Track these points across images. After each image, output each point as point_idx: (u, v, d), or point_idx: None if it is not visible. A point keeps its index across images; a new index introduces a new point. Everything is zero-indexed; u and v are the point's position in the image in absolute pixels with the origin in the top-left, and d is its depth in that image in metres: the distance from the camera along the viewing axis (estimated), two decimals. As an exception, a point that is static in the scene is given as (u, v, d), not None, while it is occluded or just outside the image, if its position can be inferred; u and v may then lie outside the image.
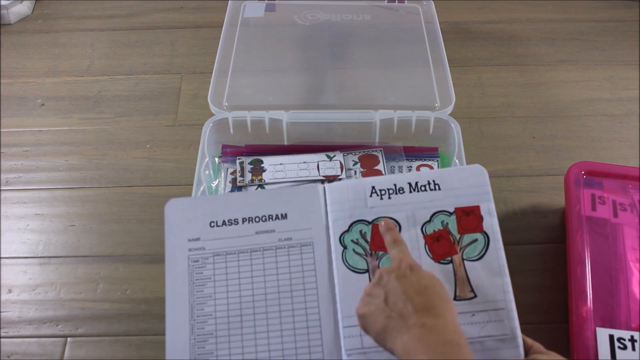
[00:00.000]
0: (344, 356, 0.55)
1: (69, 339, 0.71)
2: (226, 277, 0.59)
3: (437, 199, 0.59)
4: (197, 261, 0.59)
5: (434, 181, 0.60)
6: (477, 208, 0.59)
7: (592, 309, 0.65)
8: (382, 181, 0.61)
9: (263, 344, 0.56)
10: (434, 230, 0.59)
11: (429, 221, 0.59)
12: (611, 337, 0.63)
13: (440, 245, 0.58)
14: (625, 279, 0.67)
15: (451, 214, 0.59)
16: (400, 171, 0.81)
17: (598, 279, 0.67)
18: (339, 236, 0.59)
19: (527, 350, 0.53)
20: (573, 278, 0.68)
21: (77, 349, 0.71)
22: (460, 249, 0.58)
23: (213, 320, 0.57)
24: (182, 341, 0.56)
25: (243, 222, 0.61)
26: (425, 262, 0.57)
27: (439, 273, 0.57)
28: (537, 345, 0.53)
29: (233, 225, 0.61)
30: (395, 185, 0.60)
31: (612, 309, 0.65)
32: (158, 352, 0.70)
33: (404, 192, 0.60)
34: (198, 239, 0.60)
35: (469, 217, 0.59)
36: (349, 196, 0.61)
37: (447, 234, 0.58)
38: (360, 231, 0.59)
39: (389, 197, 0.60)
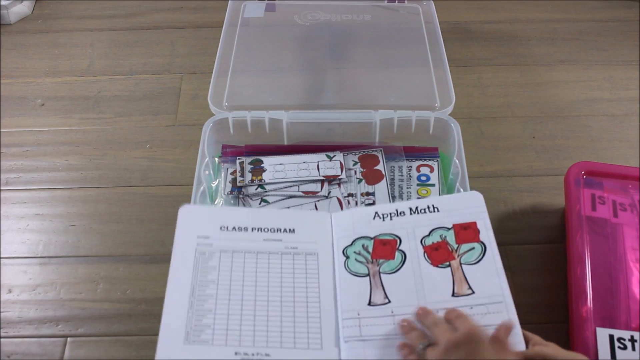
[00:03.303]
0: (342, 344, 0.56)
1: (69, 339, 0.71)
2: (231, 268, 0.61)
3: (436, 219, 0.63)
4: (204, 253, 0.62)
5: (433, 205, 0.64)
6: (474, 223, 0.61)
7: (592, 309, 0.65)
8: (385, 207, 0.65)
9: (262, 324, 0.57)
10: (432, 242, 0.61)
11: (427, 235, 0.62)
12: (611, 337, 0.63)
13: (439, 253, 0.60)
14: (625, 279, 0.67)
15: (449, 229, 0.62)
16: (400, 171, 0.81)
17: (598, 279, 0.67)
18: (342, 249, 0.62)
19: (527, 343, 0.54)
20: (573, 278, 0.68)
21: (77, 349, 0.71)
22: (458, 256, 0.60)
23: (213, 300, 0.58)
24: (179, 315, 0.57)
25: (252, 230, 0.64)
26: (424, 267, 0.59)
27: (438, 276, 0.59)
28: (537, 338, 0.54)
29: (242, 231, 0.63)
30: (397, 209, 0.64)
31: (612, 309, 0.65)
32: (158, 352, 0.70)
33: (404, 215, 0.64)
34: (207, 237, 0.63)
35: (467, 231, 0.61)
36: (354, 219, 0.65)
37: (445, 244, 0.61)
38: (363, 245, 0.62)
39: (391, 219, 0.64)
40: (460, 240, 0.61)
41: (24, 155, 0.90)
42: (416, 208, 0.64)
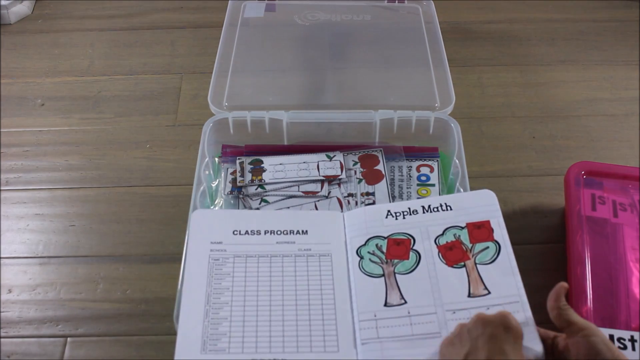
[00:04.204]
0: (359, 346, 0.56)
1: (69, 339, 0.71)
2: (245, 274, 0.61)
3: (449, 217, 0.63)
4: (217, 259, 0.62)
5: (445, 203, 0.64)
6: (488, 222, 0.62)
7: (592, 309, 0.65)
8: (397, 205, 0.65)
9: (277, 330, 0.57)
10: (446, 242, 0.61)
11: (441, 234, 0.62)
12: (611, 337, 0.63)
13: (453, 253, 0.60)
14: (625, 279, 0.67)
15: (463, 228, 0.62)
16: (400, 171, 0.81)
17: (598, 279, 0.67)
18: (355, 249, 0.62)
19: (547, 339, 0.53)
20: (573, 278, 0.68)
21: (77, 349, 0.71)
22: (473, 255, 0.60)
23: (228, 307, 0.58)
24: (196, 324, 0.57)
25: (265, 233, 0.64)
26: (439, 267, 0.59)
27: (453, 276, 0.59)
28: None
29: (255, 235, 0.64)
30: (409, 208, 0.64)
31: (612, 309, 0.65)
32: (158, 352, 0.70)
33: (417, 213, 0.64)
34: (220, 243, 0.63)
35: (480, 230, 0.61)
36: (366, 218, 0.65)
37: (459, 244, 0.61)
38: (377, 244, 0.62)
39: (404, 218, 0.64)
40: (474, 240, 0.61)
41: (24, 155, 0.90)
42: (429, 206, 0.64)
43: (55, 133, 0.93)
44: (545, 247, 0.79)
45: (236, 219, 0.65)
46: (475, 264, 0.59)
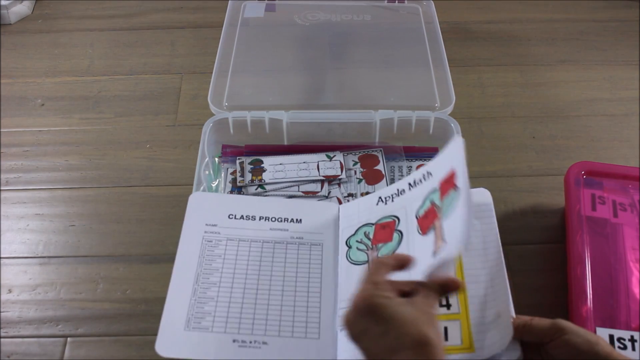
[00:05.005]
0: (339, 333, 0.57)
1: (69, 339, 0.71)
2: (236, 257, 0.62)
3: (430, 185, 0.61)
4: (210, 241, 0.63)
5: (427, 172, 0.62)
6: (453, 174, 0.56)
7: (592, 309, 0.65)
8: (387, 190, 0.66)
9: (262, 313, 0.58)
10: (424, 211, 0.60)
11: (421, 205, 0.61)
12: (611, 337, 0.63)
13: (428, 219, 0.59)
14: (625, 279, 0.67)
15: (437, 190, 0.59)
16: (400, 171, 0.81)
17: (598, 279, 0.67)
18: (345, 239, 0.64)
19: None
20: (573, 278, 0.68)
21: (77, 349, 0.71)
22: (440, 212, 0.57)
23: (216, 288, 0.60)
24: (182, 301, 0.59)
25: (259, 219, 0.66)
26: (417, 240, 0.59)
27: (425, 244, 0.56)
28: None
29: (250, 220, 0.66)
30: (397, 189, 0.64)
31: (612, 309, 0.65)
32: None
33: (404, 192, 0.64)
34: (215, 225, 0.65)
35: (448, 183, 0.57)
36: (359, 208, 0.66)
37: (433, 208, 0.59)
38: (365, 232, 0.63)
39: (392, 200, 0.64)
40: (442, 194, 0.57)
41: (24, 155, 0.90)
42: (414, 181, 0.63)
43: (55, 133, 0.93)
44: (545, 247, 0.78)
45: (233, 204, 0.67)
46: (441, 220, 0.55)
